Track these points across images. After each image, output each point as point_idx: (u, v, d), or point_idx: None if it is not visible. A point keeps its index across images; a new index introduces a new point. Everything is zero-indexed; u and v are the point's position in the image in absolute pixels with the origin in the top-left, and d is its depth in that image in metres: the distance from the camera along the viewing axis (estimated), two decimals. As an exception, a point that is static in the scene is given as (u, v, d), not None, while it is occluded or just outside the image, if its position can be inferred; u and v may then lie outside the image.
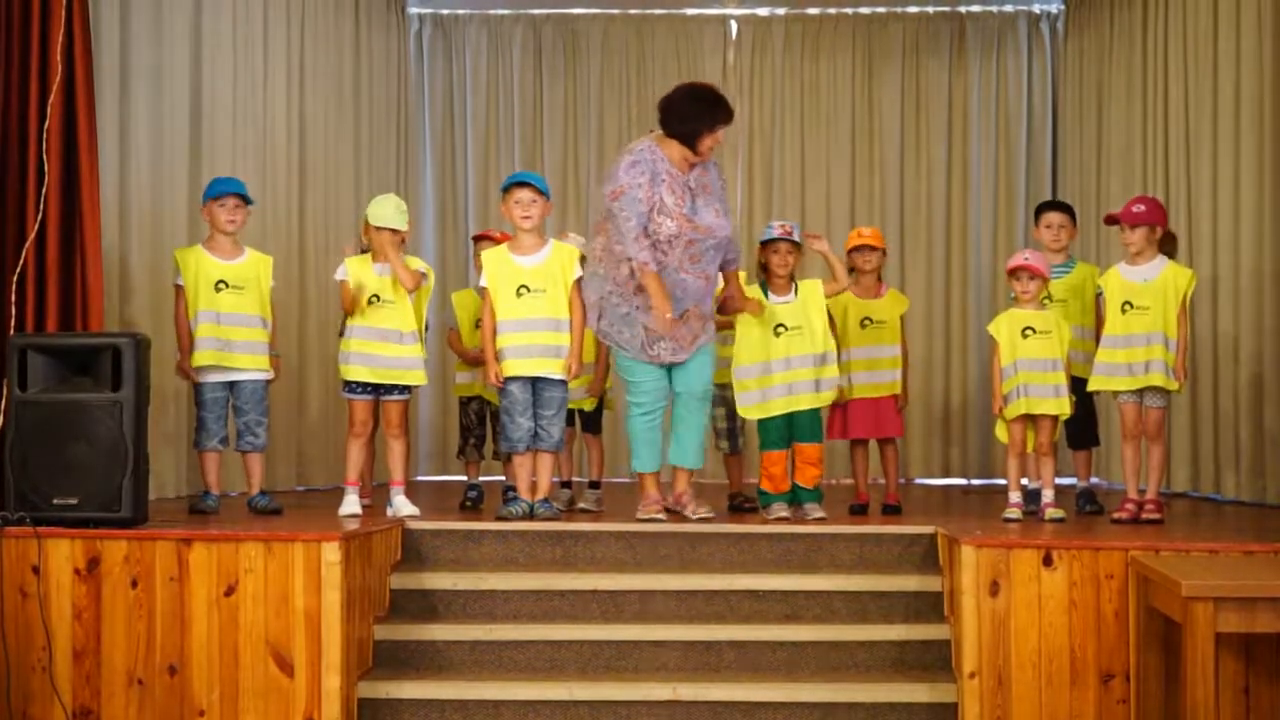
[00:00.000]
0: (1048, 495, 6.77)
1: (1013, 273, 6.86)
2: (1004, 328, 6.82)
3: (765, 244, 7.00)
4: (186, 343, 6.94)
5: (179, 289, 6.96)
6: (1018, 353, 6.74)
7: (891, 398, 7.32)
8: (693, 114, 6.62)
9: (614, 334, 6.77)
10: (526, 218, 6.75)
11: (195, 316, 6.89)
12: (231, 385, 6.97)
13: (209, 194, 7.04)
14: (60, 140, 6.36)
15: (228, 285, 6.91)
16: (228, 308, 6.92)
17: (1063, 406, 6.76)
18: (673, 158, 6.65)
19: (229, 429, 7.09)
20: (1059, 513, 6.69)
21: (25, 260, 6.27)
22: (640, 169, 6.59)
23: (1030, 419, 6.78)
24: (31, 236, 6.28)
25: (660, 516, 6.63)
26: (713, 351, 6.90)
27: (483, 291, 6.86)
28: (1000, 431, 6.91)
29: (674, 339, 6.69)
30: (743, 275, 7.14)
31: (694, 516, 6.69)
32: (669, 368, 6.80)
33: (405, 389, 6.87)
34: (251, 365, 6.96)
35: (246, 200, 7.03)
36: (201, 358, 6.89)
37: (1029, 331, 6.75)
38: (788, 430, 6.90)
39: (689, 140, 6.61)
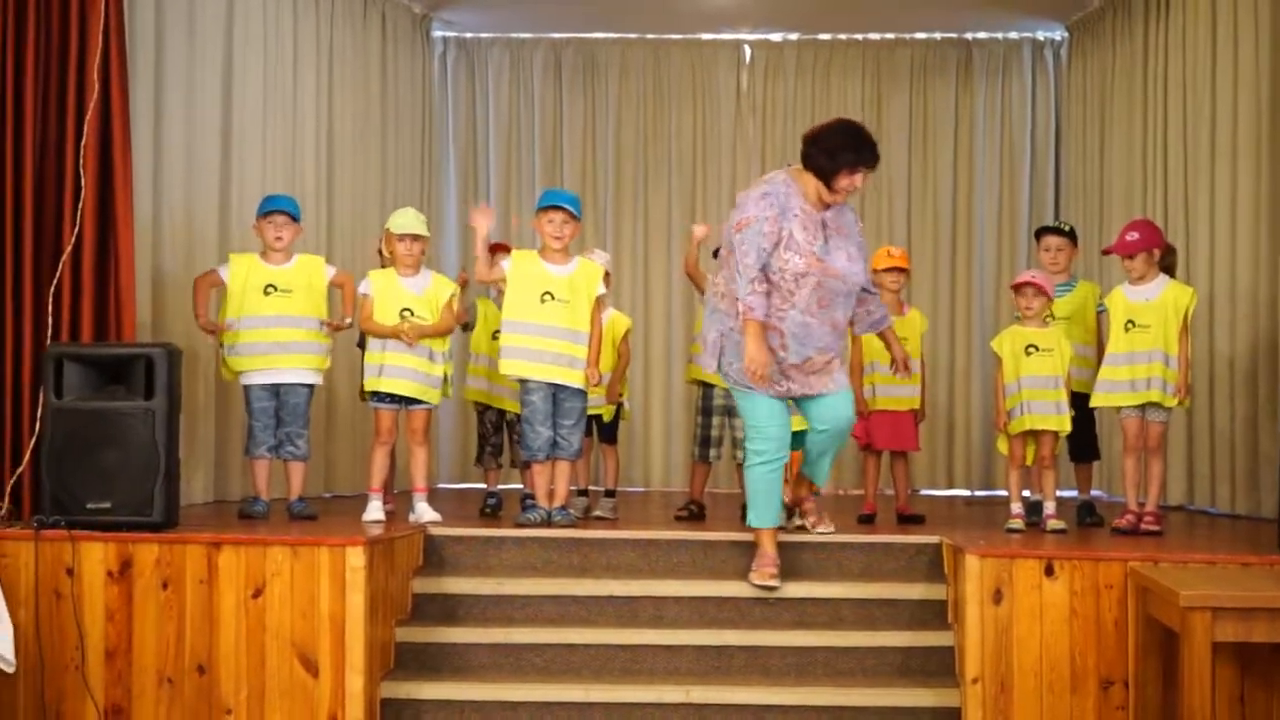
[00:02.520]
0: (1049, 507, 6.88)
1: (1018, 289, 6.99)
2: (1007, 345, 6.93)
3: None
4: (203, 307, 7.05)
5: (211, 275, 7.10)
6: (1020, 370, 6.86)
7: (911, 412, 7.48)
8: (838, 149, 6.13)
9: (734, 373, 6.24)
10: (558, 238, 6.87)
11: (240, 320, 6.98)
12: (278, 394, 7.07)
13: (259, 211, 7.17)
14: (96, 157, 6.47)
15: (276, 289, 7.02)
16: (274, 310, 7.01)
17: (1063, 423, 6.87)
18: (808, 193, 6.17)
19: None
20: (1060, 524, 6.79)
21: (61, 272, 6.38)
22: (770, 201, 6.09)
23: (1032, 433, 6.91)
24: (68, 249, 6.39)
25: (775, 584, 6.28)
26: (850, 391, 6.46)
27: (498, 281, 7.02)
28: (1002, 445, 7.03)
29: (800, 381, 6.26)
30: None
31: (815, 530, 6.55)
32: (801, 407, 6.39)
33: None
34: (296, 365, 7.06)
35: (294, 218, 7.15)
36: (251, 363, 6.99)
37: (1032, 349, 6.87)
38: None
39: (826, 176, 6.12)
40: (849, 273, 6.21)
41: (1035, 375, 6.86)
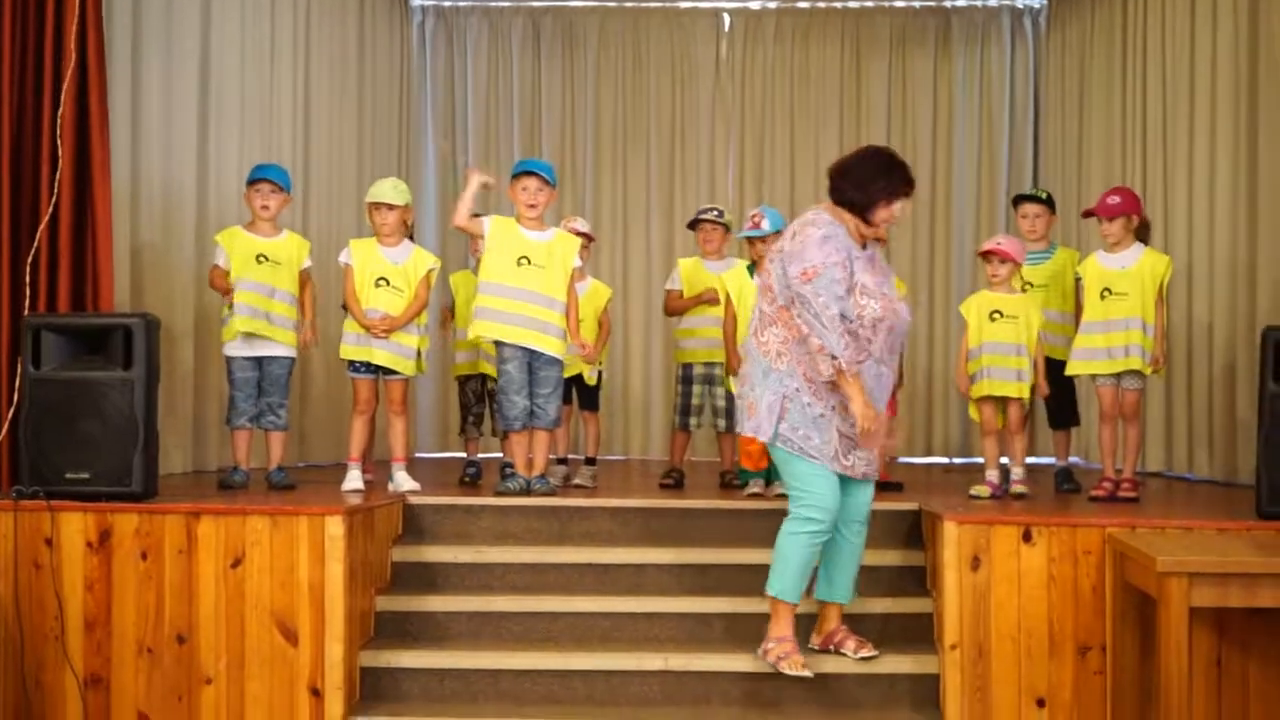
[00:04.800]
0: (1017, 472, 6.89)
1: (985, 256, 7.01)
2: (974, 309, 6.95)
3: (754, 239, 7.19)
4: (224, 284, 7.00)
5: (216, 268, 7.05)
6: (984, 335, 6.87)
7: None
8: (868, 179, 5.61)
9: (798, 439, 5.55)
10: (532, 205, 6.86)
11: (236, 284, 6.96)
12: (260, 365, 7.06)
13: (248, 179, 7.16)
14: (73, 127, 6.43)
15: (267, 259, 7.01)
16: (265, 279, 7.00)
17: (1022, 390, 6.85)
18: (850, 232, 5.64)
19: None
20: (1023, 489, 6.81)
21: (39, 243, 6.35)
22: (834, 245, 5.50)
23: (1001, 399, 6.93)
24: (45, 220, 6.36)
25: (808, 674, 5.68)
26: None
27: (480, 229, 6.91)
28: (974, 411, 7.05)
29: (871, 448, 5.67)
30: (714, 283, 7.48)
31: (857, 657, 5.83)
32: (845, 484, 5.72)
33: (404, 369, 6.99)
34: (282, 339, 7.06)
35: (282, 187, 7.14)
36: (241, 323, 6.93)
37: (996, 315, 6.87)
38: None
39: (863, 210, 5.60)
40: (906, 312, 5.78)
41: (998, 341, 6.86)
